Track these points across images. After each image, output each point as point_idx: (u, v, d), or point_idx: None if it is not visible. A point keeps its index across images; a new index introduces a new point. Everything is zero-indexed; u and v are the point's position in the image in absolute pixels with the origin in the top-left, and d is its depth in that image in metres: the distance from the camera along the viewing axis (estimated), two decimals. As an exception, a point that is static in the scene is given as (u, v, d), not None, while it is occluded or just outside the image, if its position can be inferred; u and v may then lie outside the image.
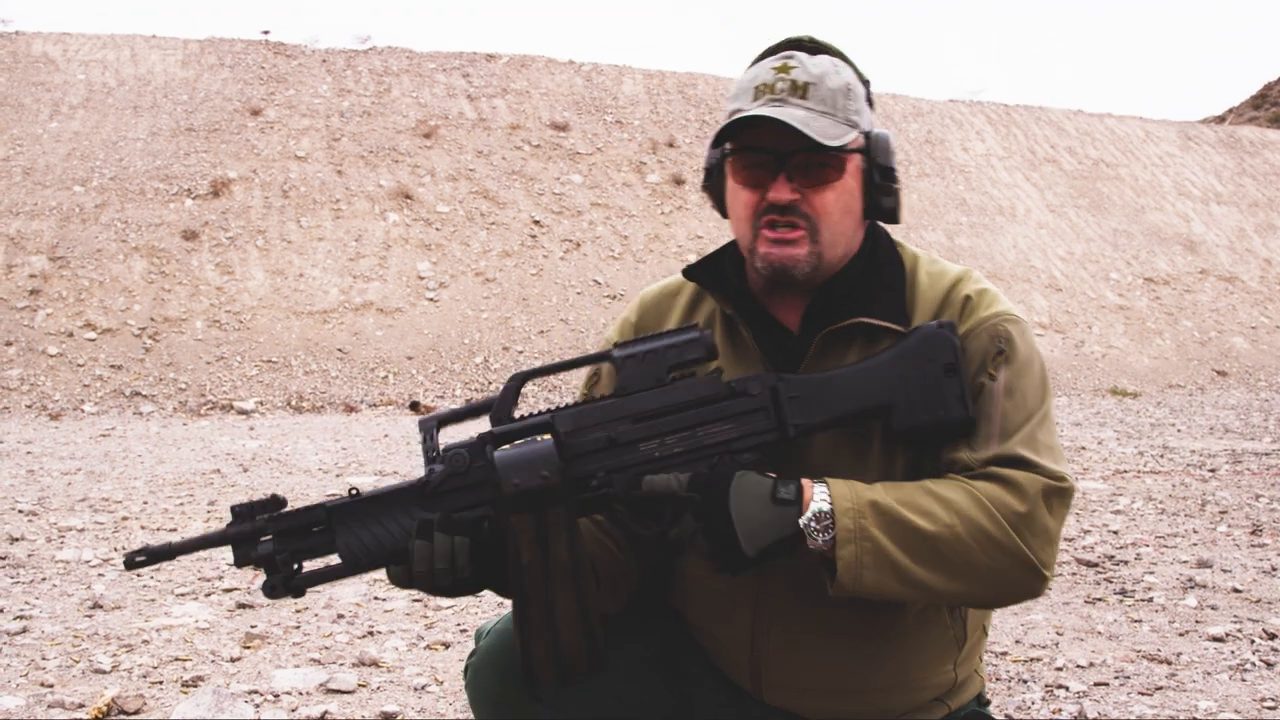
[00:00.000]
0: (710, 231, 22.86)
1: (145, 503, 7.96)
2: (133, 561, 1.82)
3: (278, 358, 17.68)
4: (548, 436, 1.86)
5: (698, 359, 1.91)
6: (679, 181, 24.04)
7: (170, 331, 17.70)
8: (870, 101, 2.07)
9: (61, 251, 18.89)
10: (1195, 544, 6.48)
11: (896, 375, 1.91)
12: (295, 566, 1.85)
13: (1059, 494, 1.87)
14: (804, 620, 2.04)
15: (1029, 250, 26.09)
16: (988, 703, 2.26)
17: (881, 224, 2.14)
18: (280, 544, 1.84)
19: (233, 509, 1.85)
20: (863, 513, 1.81)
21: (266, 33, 26.90)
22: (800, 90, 1.96)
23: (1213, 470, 9.77)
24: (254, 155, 22.21)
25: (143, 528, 6.99)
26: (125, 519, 7.29)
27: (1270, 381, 22.89)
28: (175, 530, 6.92)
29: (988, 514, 1.82)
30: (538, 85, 26.35)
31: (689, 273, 2.15)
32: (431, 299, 19.70)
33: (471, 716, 3.67)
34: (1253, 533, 6.81)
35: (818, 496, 1.82)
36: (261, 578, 1.83)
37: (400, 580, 1.83)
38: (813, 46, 2.06)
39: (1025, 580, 1.85)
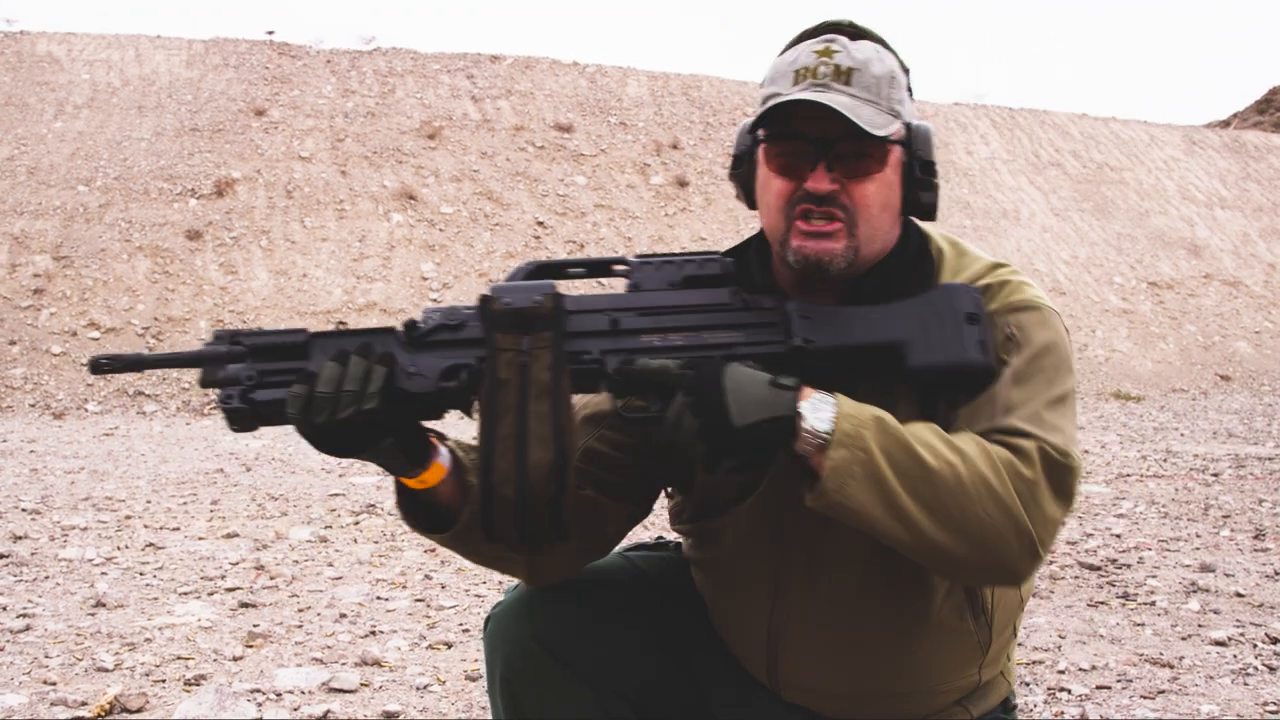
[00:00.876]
0: (714, 233, 22.87)
1: (148, 502, 7.96)
2: (98, 365, 1.77)
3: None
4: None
5: (714, 275, 1.87)
6: (683, 183, 24.04)
7: (174, 331, 17.70)
8: (910, 91, 1.98)
9: (65, 251, 18.91)
10: (1198, 548, 6.47)
11: (916, 316, 1.84)
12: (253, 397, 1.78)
13: (1064, 470, 1.75)
14: (822, 620, 2.01)
15: (1033, 254, 26.07)
16: (1014, 707, 2.21)
17: (914, 218, 2.05)
18: (252, 363, 1.78)
19: (215, 331, 1.81)
20: (865, 424, 1.69)
21: (271, 33, 26.92)
22: (844, 76, 1.86)
23: (1216, 475, 9.76)
24: (258, 155, 22.22)
25: (146, 526, 6.99)
26: (128, 518, 7.29)
27: (1274, 386, 22.87)
28: (179, 529, 6.92)
29: (994, 469, 1.70)
30: (542, 87, 26.35)
31: (729, 255, 2.03)
32: (435, 300, 19.70)
33: (470, 716, 3.68)
34: (1255, 537, 6.80)
35: (818, 396, 1.72)
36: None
37: (295, 405, 1.71)
38: (853, 31, 1.95)
39: (1017, 551, 1.71)
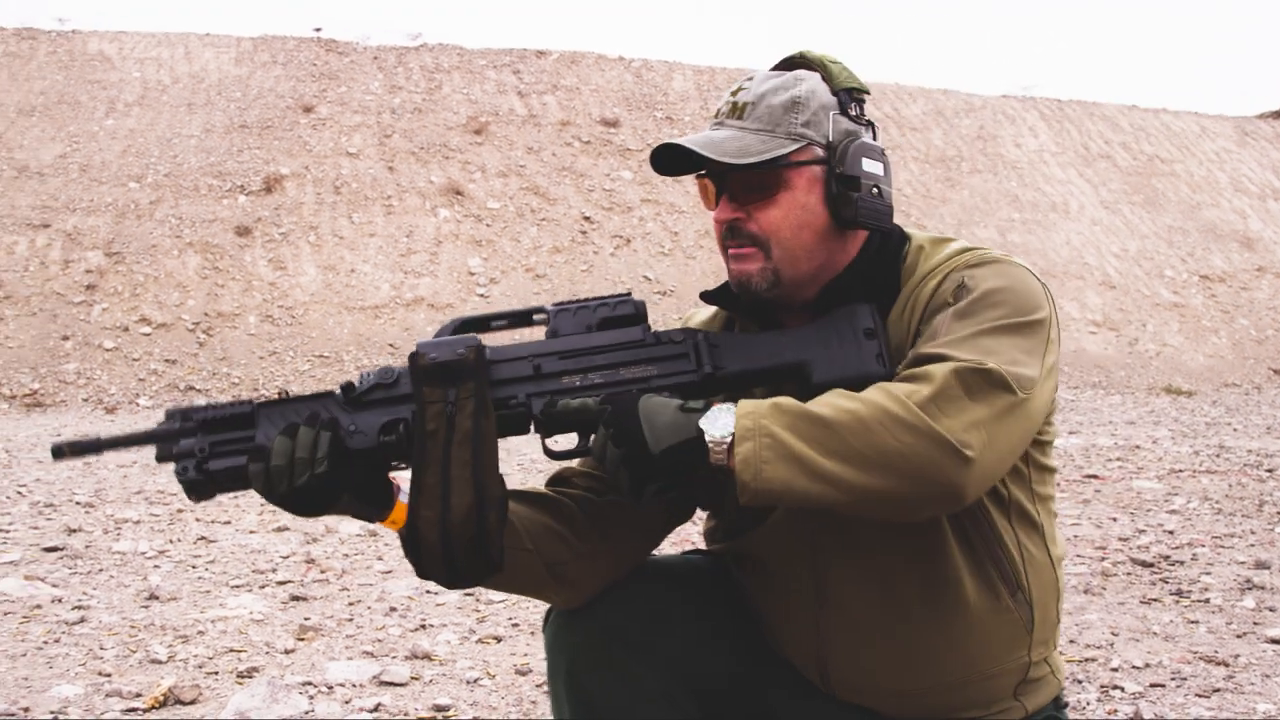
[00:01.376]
0: (760, 228, 22.80)
1: (200, 496, 8.02)
2: (59, 451, 1.87)
3: (329, 352, 17.80)
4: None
5: (627, 315, 2.00)
6: (729, 178, 23.98)
7: (223, 326, 17.86)
8: (847, 112, 2.05)
9: (117, 247, 19.10)
10: (1253, 544, 6.40)
11: (816, 337, 1.97)
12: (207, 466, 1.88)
13: (978, 374, 1.76)
14: (866, 618, 2.03)
15: (1082, 247, 25.86)
16: (1066, 704, 2.22)
17: (899, 228, 2.12)
18: (203, 436, 1.88)
19: (167, 411, 1.91)
20: (762, 413, 1.76)
21: (319, 30, 27.08)
22: (739, 111, 2.01)
23: (1270, 470, 9.65)
24: (306, 152, 22.37)
25: (197, 520, 7.05)
26: (180, 511, 7.36)
27: (1328, 380, 22.58)
28: (230, 523, 6.98)
29: (894, 399, 1.74)
30: (588, 81, 26.38)
31: (705, 297, 2.18)
32: (482, 295, 19.77)
33: (520, 710, 3.69)
34: (1311, 533, 6.72)
35: (719, 408, 1.79)
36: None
37: (257, 481, 1.82)
38: (794, 63, 2.11)
39: (943, 462, 1.71)
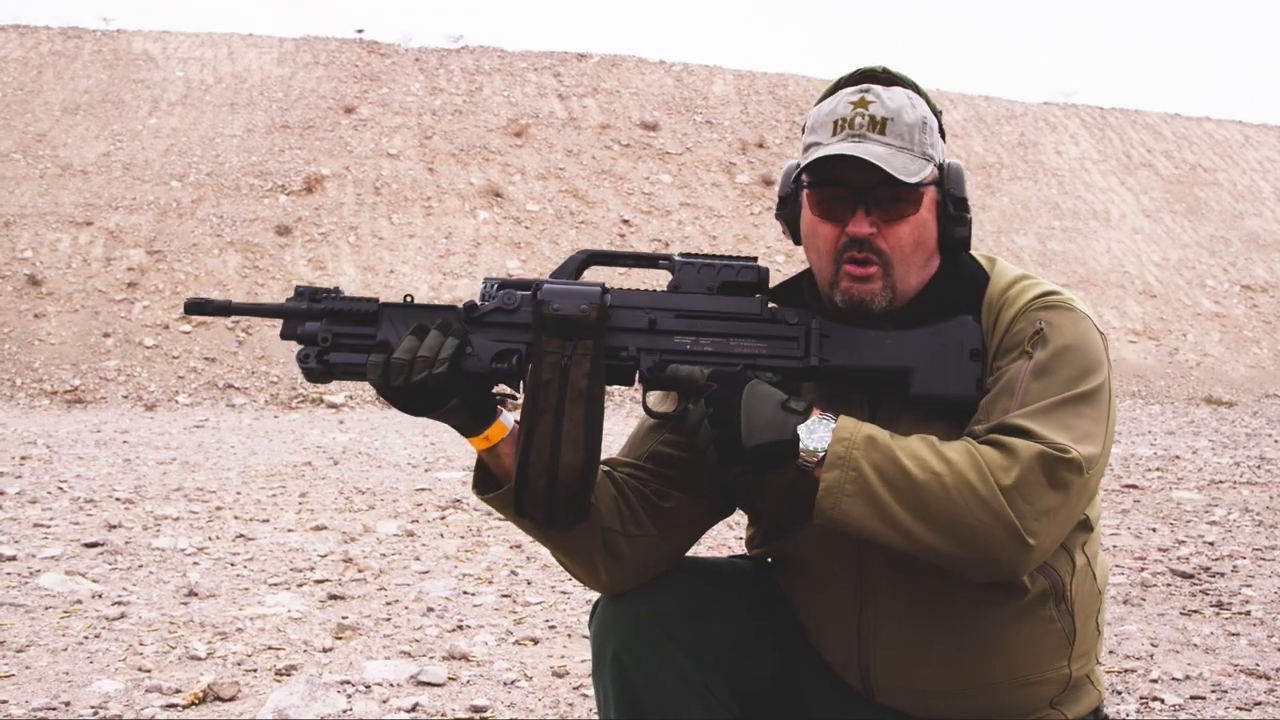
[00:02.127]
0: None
1: (238, 493, 8.08)
2: (191, 305, 2.00)
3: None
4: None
5: (750, 281, 2.04)
6: (769, 182, 23.95)
7: (263, 325, 17.93)
8: (942, 132, 2.12)
9: (159, 245, 19.24)
10: (1295, 557, 6.34)
11: (925, 346, 2.00)
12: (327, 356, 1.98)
13: (1060, 463, 1.82)
14: (910, 617, 2.05)
15: (1123, 256, 25.69)
16: (1106, 717, 2.22)
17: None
18: (327, 325, 1.97)
19: (297, 288, 2.00)
20: (855, 443, 1.84)
21: (360, 31, 27.21)
22: (879, 126, 2.02)
23: (1312, 482, 9.56)
24: (347, 152, 22.48)
25: (236, 518, 7.09)
26: (219, 509, 7.40)
27: (1371, 393, 22.34)
28: (268, 521, 7.02)
29: (978, 471, 1.81)
30: (628, 85, 26.40)
31: (775, 294, 2.18)
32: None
33: (557, 712, 3.70)
34: (1355, 547, 6.65)
35: (824, 417, 1.88)
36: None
37: (375, 371, 1.92)
38: (887, 78, 2.12)
39: (1006, 546, 1.81)
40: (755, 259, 2.07)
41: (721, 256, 2.06)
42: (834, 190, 2.04)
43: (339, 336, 1.98)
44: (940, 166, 2.08)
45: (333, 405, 16.04)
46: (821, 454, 1.84)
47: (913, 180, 1.98)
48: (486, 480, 2.08)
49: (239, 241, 19.63)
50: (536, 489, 1.93)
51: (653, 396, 2.09)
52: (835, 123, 2.04)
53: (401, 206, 21.41)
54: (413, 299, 2.03)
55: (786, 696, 2.20)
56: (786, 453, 1.86)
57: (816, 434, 1.85)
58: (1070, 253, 25.21)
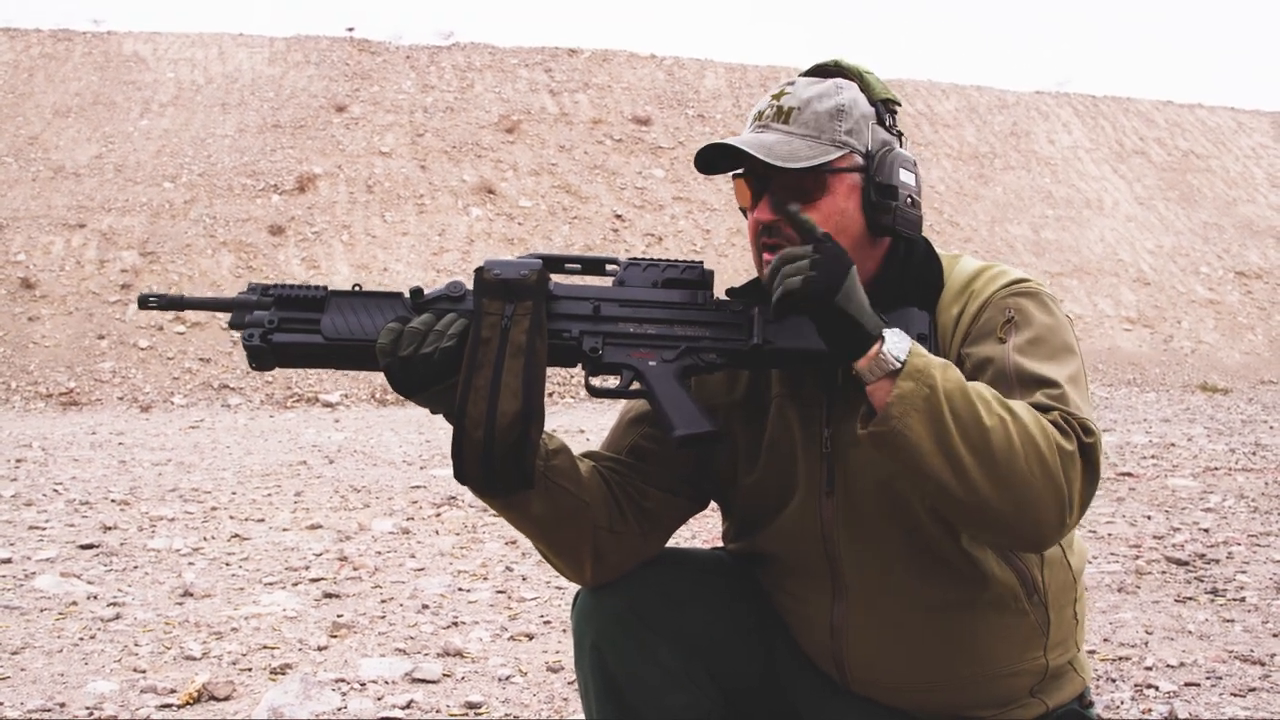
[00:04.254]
0: (792, 225, 22.78)
1: (234, 493, 8.08)
2: (145, 302, 2.00)
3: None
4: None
5: (692, 280, 2.05)
6: (761, 175, 23.96)
7: (257, 325, 17.94)
8: (884, 122, 2.10)
9: (152, 246, 19.23)
10: (1289, 542, 6.35)
11: None
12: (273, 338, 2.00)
13: (1091, 447, 1.81)
14: (880, 611, 2.06)
15: (1117, 244, 25.72)
16: (1091, 704, 2.21)
17: (925, 239, 2.15)
18: (275, 310, 1.99)
19: (250, 284, 2.03)
20: (934, 364, 1.78)
21: (351, 30, 27.21)
22: (785, 115, 2.04)
23: (1307, 468, 9.57)
24: (339, 151, 22.47)
25: (231, 517, 7.09)
26: (214, 509, 7.40)
27: (1366, 377, 22.37)
28: (264, 520, 7.02)
29: (1044, 433, 1.76)
30: (619, 79, 26.40)
31: (732, 293, 2.17)
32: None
33: (552, 708, 3.70)
34: (1349, 531, 6.66)
35: (898, 332, 1.82)
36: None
37: (386, 345, 1.91)
38: (830, 71, 2.14)
39: (1053, 515, 1.76)
40: (701, 263, 2.08)
41: (666, 260, 2.08)
42: (739, 180, 2.09)
43: (285, 320, 1.98)
44: (868, 154, 2.06)
45: (328, 404, 16.04)
46: (900, 361, 1.76)
47: (793, 165, 1.98)
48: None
49: (232, 241, 19.62)
50: (475, 440, 1.89)
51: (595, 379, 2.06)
52: (754, 115, 2.10)
53: (394, 204, 21.40)
54: (360, 288, 2.04)
55: (767, 685, 2.22)
56: (860, 340, 1.78)
57: (899, 342, 1.78)
58: (1064, 241, 25.23)
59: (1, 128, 21.76)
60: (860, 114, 2.07)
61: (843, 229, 2.03)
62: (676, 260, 2.08)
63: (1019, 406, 1.79)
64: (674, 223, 22.45)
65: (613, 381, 2.03)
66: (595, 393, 2.01)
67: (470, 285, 1.99)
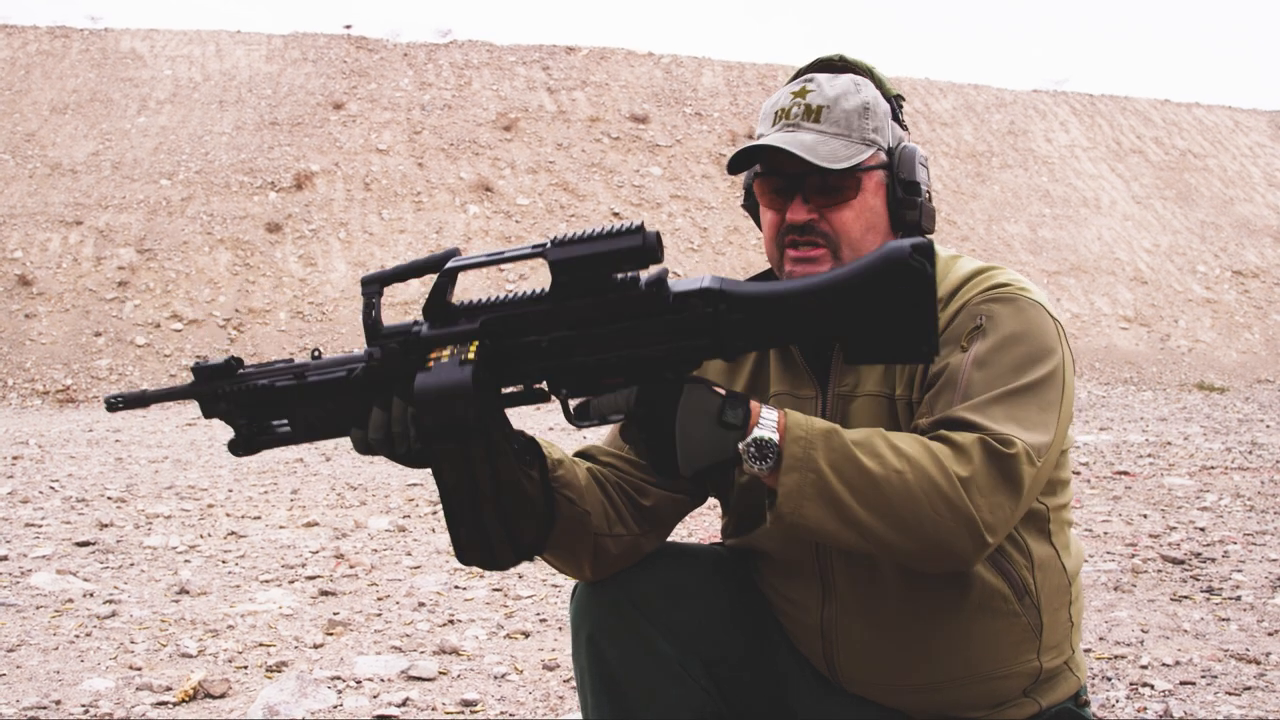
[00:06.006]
0: (789, 224, 22.80)
1: (230, 491, 8.08)
2: (113, 404, 2.01)
3: (360, 348, 17.87)
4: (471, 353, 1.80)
5: (638, 266, 1.77)
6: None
7: (254, 322, 17.94)
8: (898, 117, 2.12)
9: (149, 244, 19.22)
10: (1285, 541, 6.35)
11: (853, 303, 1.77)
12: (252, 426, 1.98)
13: (1005, 459, 1.78)
14: (869, 613, 2.06)
15: (1114, 242, 25.72)
16: (1086, 703, 2.21)
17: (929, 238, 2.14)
18: (240, 414, 1.97)
19: (193, 368, 2.00)
20: (813, 443, 1.76)
21: (349, 27, 27.21)
22: (814, 114, 2.04)
23: (1303, 466, 9.58)
24: (336, 148, 22.45)
25: (228, 515, 7.09)
26: (211, 506, 7.40)
27: (1363, 377, 22.38)
28: (260, 518, 7.02)
29: (938, 466, 1.76)
30: (617, 77, 26.39)
31: None
32: (512, 290, 19.80)
33: (548, 705, 3.70)
34: (1345, 530, 6.67)
35: (764, 422, 1.77)
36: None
37: (359, 446, 1.89)
38: (840, 66, 2.14)
39: (967, 541, 1.77)
40: (640, 225, 1.75)
41: (599, 235, 1.76)
42: (773, 180, 2.07)
43: (255, 423, 1.98)
44: (890, 150, 2.08)
45: (325, 402, 16.03)
46: (774, 462, 1.75)
47: (838, 166, 1.99)
48: None
49: (229, 239, 19.61)
50: (473, 546, 1.85)
51: (574, 404, 1.90)
52: (776, 113, 2.08)
53: (391, 202, 21.39)
54: (320, 353, 1.97)
55: (763, 680, 2.21)
56: (728, 471, 1.84)
57: (762, 446, 1.75)
58: (1061, 240, 25.24)
59: (-2, 125, 21.75)
60: (882, 111, 2.09)
61: (872, 226, 2.06)
62: (610, 232, 1.76)
63: (912, 446, 1.78)
64: (671, 220, 22.44)
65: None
66: (580, 425, 1.91)
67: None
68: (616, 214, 22.24)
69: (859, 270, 1.76)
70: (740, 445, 1.76)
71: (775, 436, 1.76)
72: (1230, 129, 31.36)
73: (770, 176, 2.07)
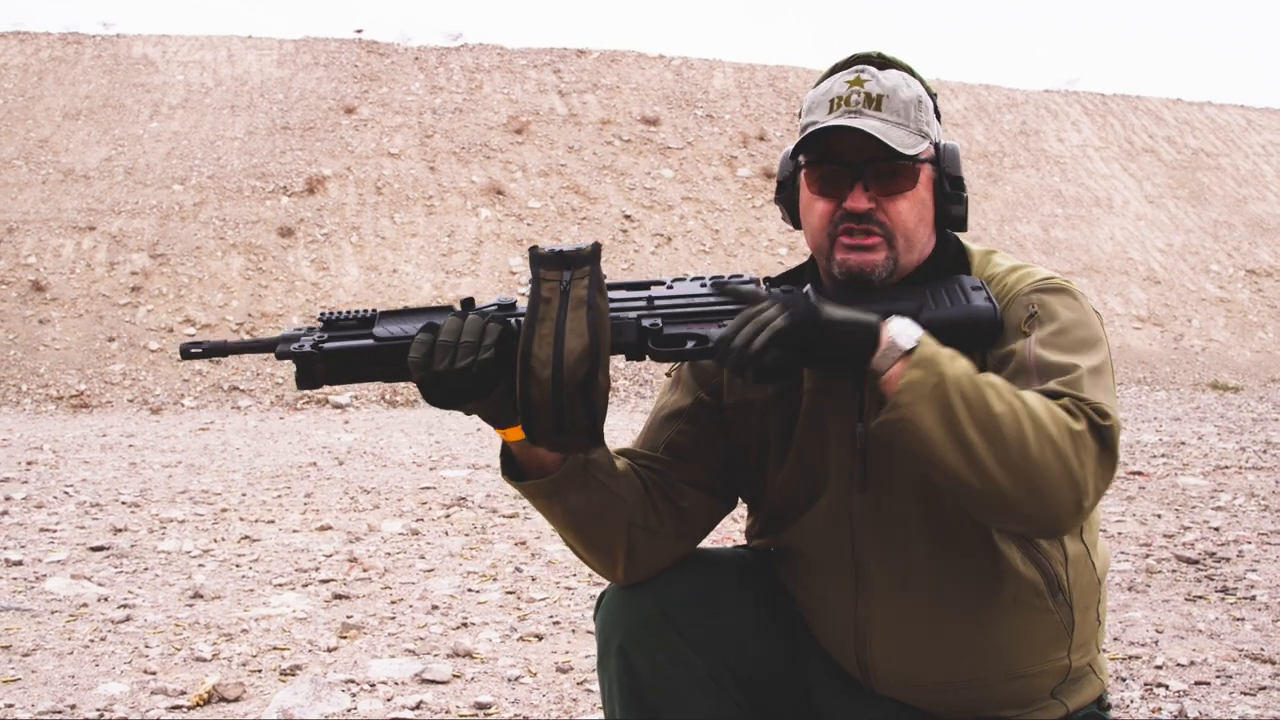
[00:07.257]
0: (801, 225, 22.76)
1: (244, 495, 8.09)
2: (188, 352, 2.01)
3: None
4: None
5: (743, 281, 2.01)
6: (770, 175, 23.92)
7: (267, 327, 17.97)
8: (938, 113, 2.13)
9: (162, 249, 19.26)
10: (1300, 541, 6.33)
11: (926, 292, 2.00)
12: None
13: (1106, 430, 1.79)
14: (904, 609, 2.05)
15: (1126, 242, 25.67)
16: (1109, 706, 2.20)
17: (950, 230, 2.18)
18: (323, 330, 1.99)
19: (295, 328, 2.02)
20: (941, 353, 1.79)
21: (360, 31, 27.23)
22: (875, 102, 2.02)
23: (1318, 466, 9.55)
24: (348, 153, 22.49)
25: (241, 519, 7.10)
26: (224, 511, 7.41)
27: (1378, 375, 22.29)
28: (273, 522, 7.03)
29: (1055, 421, 1.75)
30: (628, 80, 26.40)
31: (777, 282, 2.18)
32: (524, 294, 19.79)
33: (561, 708, 3.70)
34: (1360, 530, 6.64)
35: (904, 321, 1.83)
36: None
37: (419, 360, 1.85)
38: (881, 61, 2.12)
39: (1068, 500, 1.74)
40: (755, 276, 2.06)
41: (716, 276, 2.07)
42: (831, 167, 2.04)
43: (335, 336, 1.97)
44: (937, 145, 2.09)
45: (338, 406, 16.05)
46: (907, 350, 1.78)
47: (910, 153, 1.99)
48: (516, 468, 2.05)
49: (242, 244, 19.65)
50: (542, 382, 1.80)
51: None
52: (832, 101, 2.05)
53: (403, 206, 21.42)
54: (408, 307, 2.01)
55: (792, 688, 2.20)
56: (868, 336, 1.80)
57: (906, 331, 1.80)
58: (1074, 240, 25.19)
59: (12, 131, 21.82)
60: (929, 105, 2.10)
61: (923, 219, 2.07)
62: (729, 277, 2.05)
63: (1028, 394, 1.79)
64: (683, 223, 22.44)
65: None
66: (658, 356, 1.98)
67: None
68: (628, 216, 22.24)
69: (940, 321, 1.94)
70: (883, 321, 1.81)
71: (917, 330, 1.82)
72: (1243, 128, 31.26)
73: (826, 164, 2.05)
